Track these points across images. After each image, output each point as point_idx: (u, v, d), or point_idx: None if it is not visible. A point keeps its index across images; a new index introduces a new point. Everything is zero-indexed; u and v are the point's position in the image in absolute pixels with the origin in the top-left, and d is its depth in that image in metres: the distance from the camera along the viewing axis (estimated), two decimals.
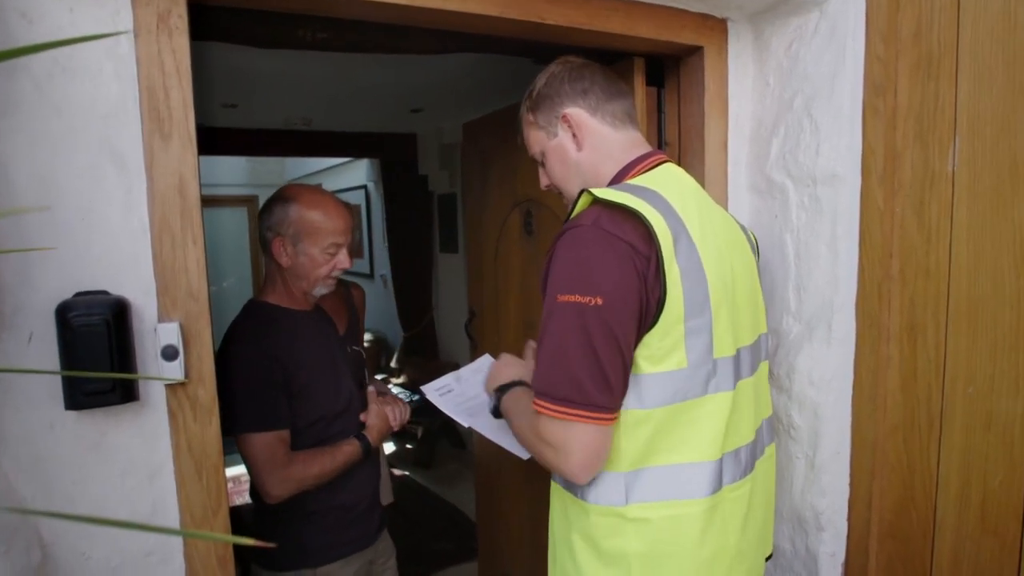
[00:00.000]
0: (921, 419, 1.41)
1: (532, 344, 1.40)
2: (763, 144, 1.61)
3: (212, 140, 3.92)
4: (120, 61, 1.00)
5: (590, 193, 1.01)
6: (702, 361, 1.02)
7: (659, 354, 0.99)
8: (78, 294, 0.98)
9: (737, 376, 1.09)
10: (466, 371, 1.60)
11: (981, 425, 1.30)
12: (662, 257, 0.95)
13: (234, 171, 6.60)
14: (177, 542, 1.08)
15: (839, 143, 1.43)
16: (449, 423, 4.15)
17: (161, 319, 1.04)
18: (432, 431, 4.54)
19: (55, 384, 0.97)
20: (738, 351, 1.10)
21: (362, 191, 5.77)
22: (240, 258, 6.81)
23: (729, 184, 1.66)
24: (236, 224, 6.79)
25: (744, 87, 1.65)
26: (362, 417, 1.61)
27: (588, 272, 0.96)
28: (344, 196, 5.88)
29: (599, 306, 0.94)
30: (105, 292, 1.00)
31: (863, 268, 1.45)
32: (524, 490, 2.32)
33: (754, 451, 1.16)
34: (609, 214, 0.98)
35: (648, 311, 0.97)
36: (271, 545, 0.50)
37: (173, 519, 1.08)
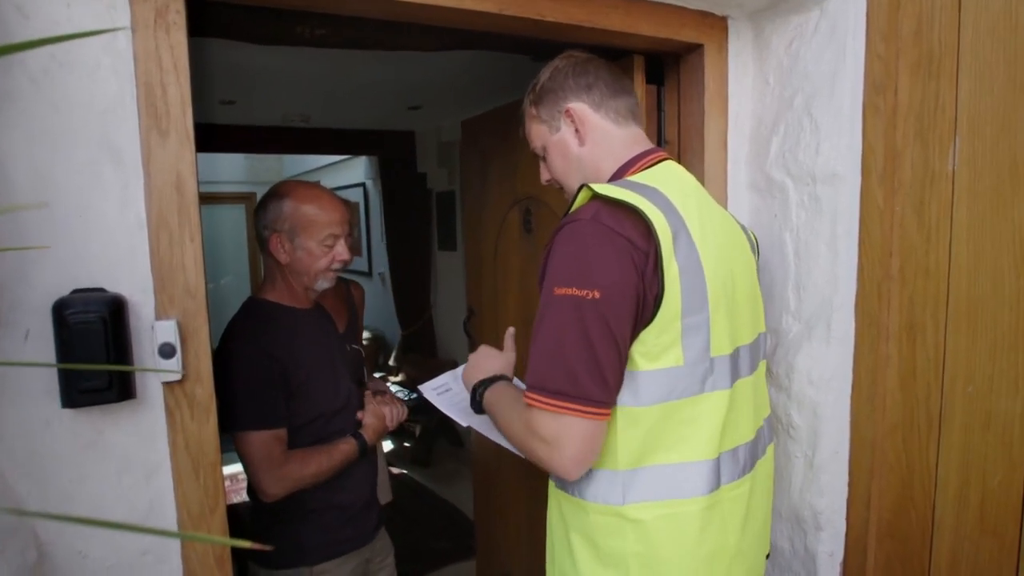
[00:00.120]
0: (920, 419, 1.40)
1: (511, 331, 1.38)
2: (763, 143, 1.61)
3: (210, 137, 3.90)
4: (117, 57, 0.99)
5: (589, 188, 1.01)
6: (699, 359, 1.01)
7: (655, 351, 0.98)
8: (75, 291, 0.97)
9: (735, 375, 1.09)
10: (464, 370, 1.60)
11: (980, 425, 1.30)
12: (661, 253, 0.95)
13: (232, 168, 6.59)
14: (174, 542, 1.07)
15: (839, 142, 1.42)
16: (447, 421, 4.14)
17: (158, 316, 1.03)
18: (430, 429, 4.54)
19: (51, 381, 0.97)
20: (737, 350, 1.10)
21: (360, 188, 5.76)
22: (238, 255, 6.79)
23: (729, 183, 1.65)
24: (234, 221, 6.77)
25: (744, 85, 1.64)
26: (359, 415, 1.61)
27: (586, 266, 0.95)
28: (342, 193, 5.87)
29: (596, 300, 0.93)
30: (102, 289, 0.99)
31: (863, 267, 1.45)
32: (522, 488, 2.32)
33: (754, 450, 1.16)
34: (608, 209, 0.97)
35: (645, 307, 0.96)
36: (268, 548, 0.49)
37: (170, 517, 1.07)
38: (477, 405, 1.25)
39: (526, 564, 2.37)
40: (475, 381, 1.26)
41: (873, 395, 1.47)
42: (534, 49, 2.03)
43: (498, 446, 1.38)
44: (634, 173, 1.12)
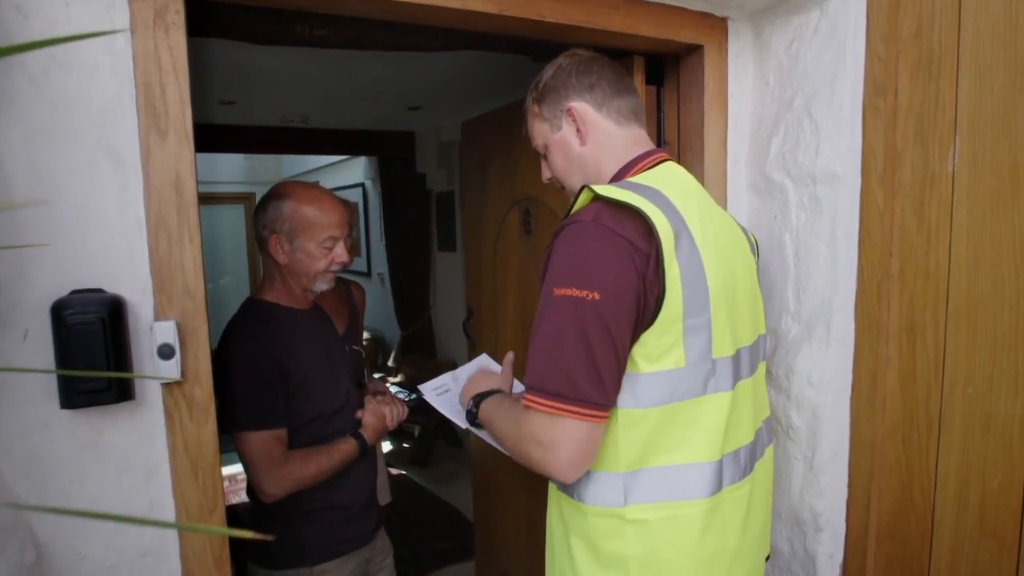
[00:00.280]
0: (920, 420, 1.40)
1: (511, 357, 1.41)
2: (763, 143, 1.60)
3: (209, 137, 3.90)
4: (116, 57, 0.99)
5: (591, 190, 1.01)
6: (701, 360, 1.01)
7: (657, 352, 0.98)
8: (74, 292, 0.97)
9: (736, 376, 1.09)
10: (463, 371, 1.60)
11: (980, 426, 1.30)
12: (662, 255, 0.95)
13: (231, 168, 6.59)
14: (173, 542, 1.07)
15: (839, 143, 1.42)
16: (446, 422, 4.14)
17: (157, 317, 1.03)
18: (429, 430, 4.54)
19: (50, 382, 0.96)
20: (738, 351, 1.10)
21: (360, 189, 5.76)
22: (237, 255, 6.79)
23: (728, 184, 1.65)
24: (233, 221, 6.77)
25: (744, 86, 1.64)
26: (359, 415, 1.61)
27: (586, 267, 0.95)
28: (342, 194, 5.87)
29: (596, 301, 0.93)
30: (101, 290, 0.99)
31: (862, 268, 1.45)
32: (521, 489, 2.32)
33: (753, 452, 1.15)
34: (610, 210, 0.97)
35: (646, 309, 0.96)
36: (269, 537, 0.49)
37: (169, 518, 1.07)
38: (473, 417, 1.26)
39: (525, 565, 2.37)
40: (472, 395, 1.28)
41: (873, 396, 1.47)
42: (534, 50, 2.03)
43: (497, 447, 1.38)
44: (635, 174, 1.12)
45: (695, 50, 1.60)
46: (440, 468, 4.52)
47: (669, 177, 1.10)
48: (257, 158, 6.67)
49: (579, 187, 1.09)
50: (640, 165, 1.13)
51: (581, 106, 1.14)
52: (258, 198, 1.54)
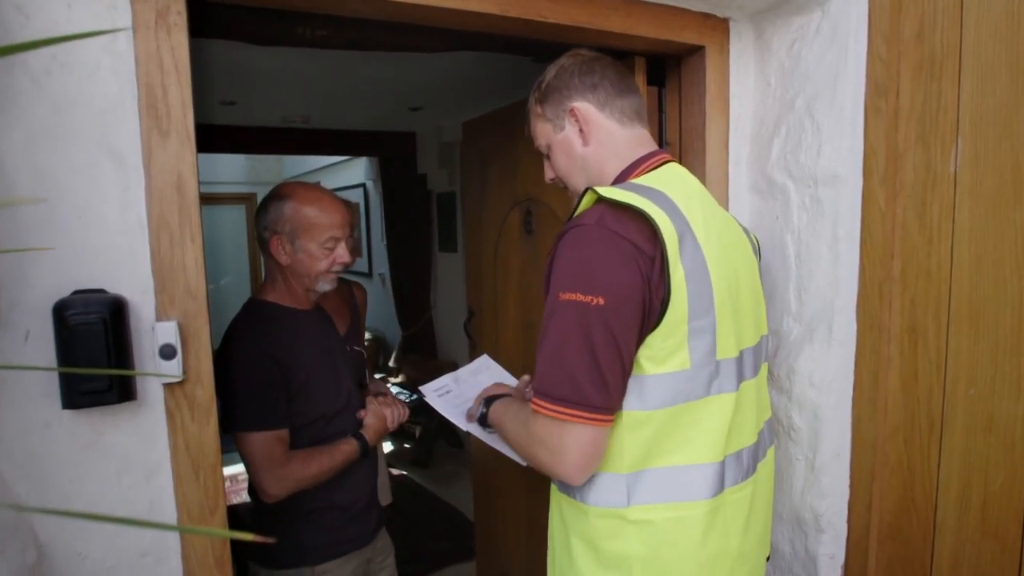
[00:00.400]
0: (922, 421, 1.40)
1: (527, 378, 1.43)
2: (764, 144, 1.60)
3: (211, 137, 3.90)
4: (118, 57, 0.99)
5: (594, 191, 1.01)
6: (705, 362, 1.01)
7: (662, 354, 0.98)
8: (75, 292, 0.97)
9: (740, 377, 1.09)
10: (464, 372, 1.60)
11: (982, 427, 1.30)
12: (667, 257, 0.95)
13: (233, 169, 6.59)
14: (174, 542, 1.07)
15: (841, 144, 1.42)
16: (447, 423, 4.16)
17: (159, 318, 1.03)
18: (430, 431, 4.53)
19: (51, 382, 0.96)
20: (741, 352, 1.09)
21: (360, 189, 5.76)
22: (239, 256, 6.80)
23: (730, 184, 1.65)
24: (235, 222, 6.78)
25: (745, 87, 1.64)
26: (360, 414, 1.61)
27: (591, 271, 0.95)
28: (343, 194, 5.87)
29: (601, 306, 0.93)
30: (103, 290, 0.99)
31: (864, 269, 1.45)
32: (522, 490, 2.32)
33: (756, 453, 1.15)
34: (614, 213, 0.97)
35: (651, 311, 0.96)
36: (270, 540, 0.49)
37: (170, 518, 1.07)
38: (484, 418, 1.29)
39: (526, 565, 2.37)
40: (485, 397, 1.32)
41: (875, 397, 1.46)
42: (535, 50, 2.03)
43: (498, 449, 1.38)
44: (638, 175, 1.11)
45: (696, 51, 1.60)
46: (441, 469, 4.52)
47: (672, 178, 1.10)
48: (258, 159, 6.68)
49: (582, 188, 1.09)
50: (643, 166, 1.13)
51: (584, 106, 1.14)
52: (259, 199, 1.54)
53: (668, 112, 1.74)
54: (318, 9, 1.25)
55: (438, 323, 5.02)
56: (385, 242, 5.20)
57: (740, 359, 1.09)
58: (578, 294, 0.94)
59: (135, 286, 1.02)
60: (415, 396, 4.16)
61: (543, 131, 1.20)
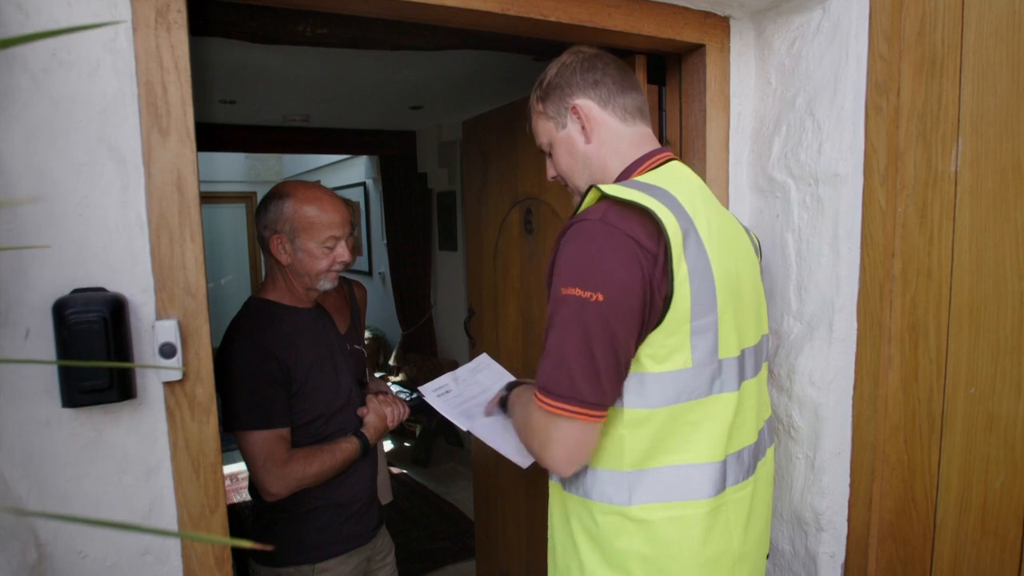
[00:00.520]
0: (922, 420, 1.40)
1: None
2: (765, 143, 1.60)
3: (211, 136, 3.91)
4: (118, 55, 0.99)
5: (598, 189, 1.00)
6: (707, 361, 1.01)
7: (663, 353, 0.98)
8: (75, 290, 0.97)
9: (742, 377, 1.09)
10: (463, 371, 1.60)
11: (982, 426, 1.30)
12: (671, 255, 0.95)
13: (233, 167, 6.60)
14: (174, 541, 1.07)
15: (841, 142, 1.42)
16: (447, 422, 4.16)
17: (159, 316, 1.03)
18: (430, 429, 4.54)
19: (51, 381, 0.96)
20: (743, 352, 1.09)
21: (361, 188, 5.76)
22: (239, 255, 6.80)
23: (730, 183, 1.65)
24: (234, 220, 6.78)
25: (746, 85, 1.64)
26: (361, 412, 1.61)
27: (591, 267, 0.95)
28: (343, 193, 5.87)
29: (600, 302, 0.93)
30: (102, 289, 0.99)
31: (864, 268, 1.45)
32: (522, 488, 2.32)
33: (756, 452, 1.15)
34: (617, 209, 0.97)
35: (654, 309, 0.96)
36: (269, 547, 0.49)
37: (170, 517, 1.07)
38: (504, 402, 1.35)
39: (525, 564, 2.37)
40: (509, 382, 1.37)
41: (875, 396, 1.46)
42: (536, 49, 2.03)
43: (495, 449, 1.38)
44: (641, 173, 1.11)
45: (697, 49, 1.59)
46: (440, 467, 4.52)
47: (676, 177, 1.09)
48: (258, 157, 6.68)
49: (584, 186, 1.08)
50: (646, 164, 1.12)
51: (586, 103, 1.13)
52: (259, 197, 1.55)
53: (668, 110, 1.74)
54: (318, 7, 1.25)
55: (438, 322, 5.02)
56: (385, 241, 5.20)
57: (742, 358, 1.09)
58: (577, 289, 0.95)
59: (135, 285, 1.02)
60: (415, 395, 4.17)
61: (545, 129, 1.20)
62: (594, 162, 1.15)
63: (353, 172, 5.86)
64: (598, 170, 1.15)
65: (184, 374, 1.04)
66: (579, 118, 1.14)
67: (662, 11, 1.48)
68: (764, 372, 1.23)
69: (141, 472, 1.04)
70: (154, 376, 1.03)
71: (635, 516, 1.01)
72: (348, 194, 5.86)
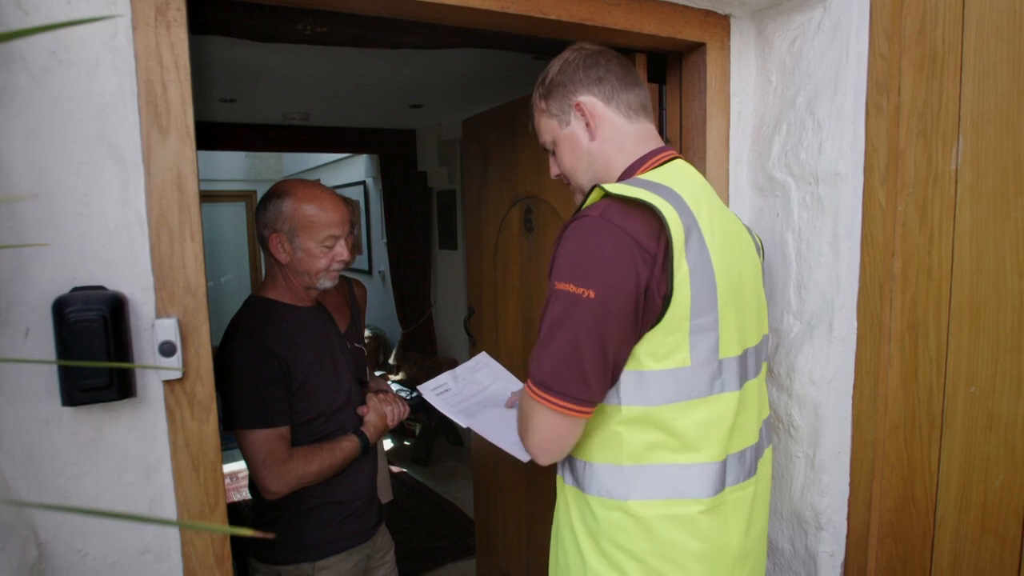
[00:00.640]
0: (922, 419, 1.40)
1: None
2: (765, 142, 1.60)
3: (210, 135, 3.90)
4: (118, 54, 0.99)
5: (602, 189, 1.00)
6: (707, 360, 1.01)
7: (662, 351, 0.98)
8: (75, 289, 0.97)
9: (743, 377, 1.08)
10: (463, 370, 1.60)
11: (982, 425, 1.30)
12: (672, 253, 0.94)
13: (232, 166, 6.59)
14: (174, 540, 1.07)
15: (841, 141, 1.42)
16: (447, 420, 4.15)
17: (159, 315, 1.03)
18: (430, 428, 4.54)
19: (51, 380, 0.96)
20: (744, 352, 1.09)
21: (361, 187, 5.76)
22: (238, 253, 6.80)
23: (731, 182, 1.65)
24: (234, 219, 6.78)
25: (746, 84, 1.64)
26: (362, 410, 1.61)
27: (587, 263, 0.95)
28: (343, 192, 5.87)
29: (591, 299, 0.94)
30: (102, 287, 0.99)
31: (865, 267, 1.45)
32: (522, 487, 2.32)
33: (757, 452, 1.15)
34: (619, 207, 0.97)
35: (651, 308, 0.96)
36: (270, 535, 0.49)
37: (170, 516, 1.07)
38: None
39: (526, 562, 2.37)
40: None
41: (875, 395, 1.46)
42: (536, 48, 2.02)
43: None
44: (645, 171, 1.10)
45: (697, 48, 1.59)
46: (440, 466, 4.52)
47: (680, 175, 1.09)
48: (258, 156, 6.68)
49: (587, 184, 1.08)
50: (650, 162, 1.11)
51: (590, 100, 1.12)
52: (259, 196, 1.54)
53: (669, 109, 1.73)
54: (318, 5, 1.25)
55: (438, 320, 5.02)
56: (385, 239, 5.20)
57: (743, 358, 1.09)
58: (571, 285, 0.95)
59: (135, 283, 1.02)
60: (415, 393, 4.17)
61: (548, 127, 1.18)
62: (598, 159, 1.14)
63: (353, 171, 5.86)
64: (602, 167, 1.14)
65: (184, 373, 1.04)
66: (583, 115, 1.13)
67: (663, 9, 1.48)
68: (764, 371, 1.23)
69: (141, 471, 1.04)
70: (154, 375, 1.03)
71: (633, 511, 1.01)
72: (348, 193, 5.85)
